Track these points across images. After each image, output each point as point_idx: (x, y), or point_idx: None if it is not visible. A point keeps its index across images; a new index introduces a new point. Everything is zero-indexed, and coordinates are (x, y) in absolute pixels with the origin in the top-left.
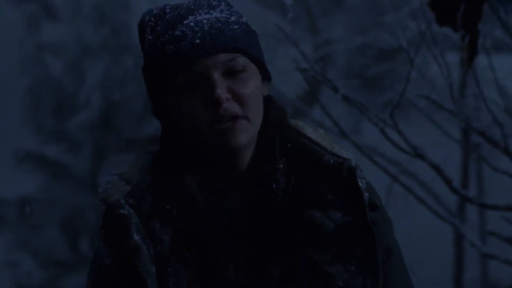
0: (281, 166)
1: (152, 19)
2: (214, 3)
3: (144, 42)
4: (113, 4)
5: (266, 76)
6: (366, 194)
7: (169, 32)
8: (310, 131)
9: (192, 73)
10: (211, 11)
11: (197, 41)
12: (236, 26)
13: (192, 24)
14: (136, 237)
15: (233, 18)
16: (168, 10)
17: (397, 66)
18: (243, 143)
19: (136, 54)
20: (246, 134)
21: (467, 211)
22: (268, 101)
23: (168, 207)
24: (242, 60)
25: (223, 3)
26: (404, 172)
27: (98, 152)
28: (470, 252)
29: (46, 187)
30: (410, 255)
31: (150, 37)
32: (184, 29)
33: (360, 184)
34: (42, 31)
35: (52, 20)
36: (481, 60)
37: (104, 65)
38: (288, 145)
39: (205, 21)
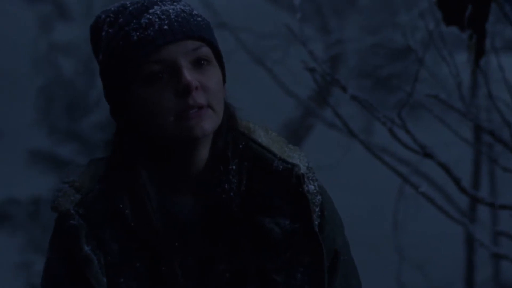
0: (233, 167)
1: (111, 15)
2: None
3: (99, 41)
4: None
5: (223, 77)
6: (318, 197)
7: (134, 21)
8: (261, 134)
9: (159, 61)
10: (175, 3)
11: (165, 27)
12: (199, 19)
13: (158, 12)
14: (86, 248)
15: (195, 12)
16: (129, 5)
17: (409, 66)
18: (208, 131)
19: None
20: (211, 123)
21: (480, 212)
22: None
23: (121, 206)
24: (207, 51)
25: (183, 0)
26: (415, 172)
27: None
28: (481, 252)
29: None
30: (421, 255)
31: (110, 30)
32: (150, 17)
33: (310, 189)
34: (55, 32)
35: (64, 21)
36: (492, 60)
37: None
38: (240, 146)
39: (171, 10)
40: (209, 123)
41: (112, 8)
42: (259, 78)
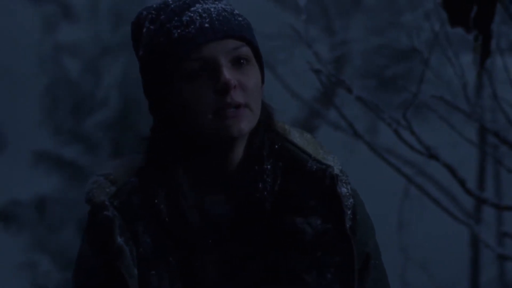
0: (268, 167)
1: (153, 11)
2: None
3: (140, 38)
4: (130, 4)
5: (262, 77)
6: (350, 200)
7: (176, 18)
8: (296, 135)
9: (199, 59)
10: (216, 2)
11: (206, 25)
12: (240, 18)
13: (199, 10)
14: (119, 239)
15: (236, 12)
16: (170, 2)
17: (414, 67)
18: (245, 131)
19: None
20: (248, 122)
21: (485, 213)
22: None
23: (156, 200)
24: (247, 50)
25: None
26: (420, 173)
27: (115, 153)
28: (486, 253)
29: (63, 188)
30: (426, 256)
31: (151, 26)
32: (191, 14)
33: (342, 191)
34: (60, 32)
35: (70, 21)
36: (498, 61)
37: (121, 65)
38: (276, 147)
39: (212, 9)
40: (246, 122)
41: (154, 5)
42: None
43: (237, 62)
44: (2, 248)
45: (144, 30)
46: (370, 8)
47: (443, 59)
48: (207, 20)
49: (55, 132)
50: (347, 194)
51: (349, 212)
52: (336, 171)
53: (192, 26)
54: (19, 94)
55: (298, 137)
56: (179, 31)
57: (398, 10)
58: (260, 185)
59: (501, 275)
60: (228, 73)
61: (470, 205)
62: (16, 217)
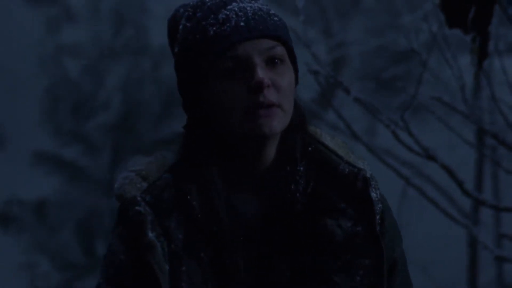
0: (301, 168)
1: (189, 9)
2: None
3: (176, 34)
4: (131, 6)
5: (296, 77)
6: (379, 205)
7: (212, 16)
8: (328, 138)
9: (234, 57)
10: (253, 1)
11: (242, 23)
12: (276, 18)
13: (236, 9)
14: (150, 234)
15: (272, 11)
16: (207, 0)
17: (412, 68)
18: (276, 130)
19: (154, 56)
20: (280, 122)
21: (483, 214)
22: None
23: (188, 197)
24: (282, 50)
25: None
26: (419, 174)
27: (115, 155)
28: (485, 254)
29: (63, 189)
30: (424, 257)
31: (188, 24)
32: (228, 13)
33: (373, 195)
34: (61, 33)
35: (71, 23)
36: (496, 62)
37: (122, 67)
38: (309, 149)
39: (248, 8)
40: (278, 122)
41: (191, 3)
42: None
43: (271, 62)
44: (1, 249)
45: (181, 27)
46: (369, 10)
47: (441, 61)
48: (243, 18)
49: (55, 133)
50: (377, 199)
51: (377, 217)
52: (368, 175)
53: (228, 25)
54: (19, 94)
55: (329, 140)
56: (214, 28)
57: (396, 12)
58: (292, 186)
59: (499, 276)
60: (261, 72)
61: (468, 206)
62: (16, 217)
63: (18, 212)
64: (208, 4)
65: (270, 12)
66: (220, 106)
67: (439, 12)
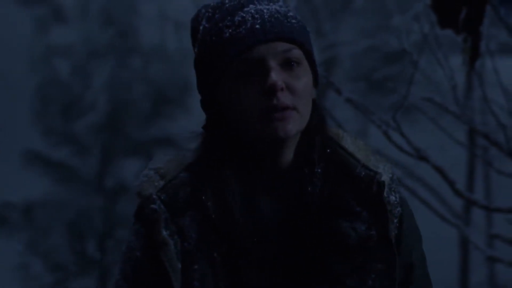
0: (319, 170)
1: (210, 10)
2: None
3: (196, 34)
4: (121, 7)
5: (315, 80)
6: (398, 209)
7: (228, 18)
8: (348, 141)
9: (249, 60)
10: (271, 4)
11: (257, 26)
12: (294, 21)
13: (252, 11)
14: (164, 232)
15: (291, 13)
16: (226, 1)
17: (404, 69)
18: (291, 133)
19: (143, 56)
20: (295, 125)
21: (475, 214)
22: (313, 105)
23: (203, 197)
24: (298, 53)
25: (281, 0)
26: (410, 174)
27: (105, 155)
28: (476, 254)
29: (53, 190)
30: None
31: (207, 25)
32: (244, 15)
33: (390, 199)
34: (50, 34)
35: (60, 23)
36: (487, 63)
37: (111, 67)
38: (328, 151)
39: (265, 10)
40: (293, 125)
41: (212, 3)
42: None
43: (287, 65)
44: None
45: (201, 27)
46: (360, 11)
47: (432, 61)
48: (259, 21)
49: (44, 134)
50: (395, 202)
51: (395, 220)
52: (385, 178)
53: (243, 27)
54: (9, 95)
55: (350, 143)
56: (230, 30)
57: (388, 13)
58: (309, 189)
59: (490, 277)
60: (275, 75)
61: (460, 207)
62: (6, 219)
63: (8, 214)
64: (227, 5)
65: (288, 14)
66: (235, 109)
67: (430, 13)
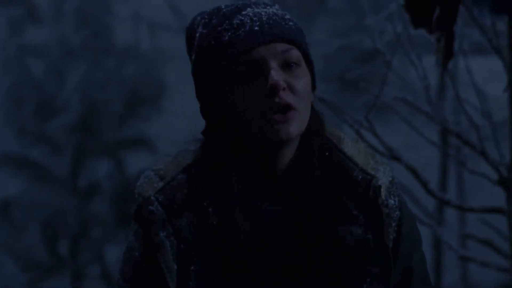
0: (318, 173)
1: (206, 16)
2: (269, 2)
3: (193, 41)
4: (95, 7)
5: (313, 82)
6: (396, 213)
7: (227, 21)
8: (349, 144)
9: (249, 61)
10: (268, 7)
11: (256, 28)
12: (291, 23)
13: (250, 14)
14: (161, 233)
15: (288, 16)
16: (223, 7)
17: (377, 69)
18: (293, 134)
19: (117, 56)
20: (297, 127)
21: (448, 214)
22: (311, 108)
23: (202, 199)
24: (297, 54)
25: (277, 5)
26: None
27: (78, 155)
28: (449, 254)
29: (27, 190)
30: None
31: (203, 31)
32: (242, 18)
33: (389, 203)
34: (25, 34)
35: (34, 23)
36: (460, 62)
37: (85, 67)
38: (327, 153)
39: (263, 13)
40: (295, 127)
41: (208, 10)
42: None
43: (287, 65)
44: None
45: (197, 34)
46: (333, 11)
47: (405, 61)
48: (257, 23)
49: (18, 134)
50: (394, 206)
51: (393, 224)
52: (384, 182)
53: (242, 29)
54: None
55: (350, 146)
56: (229, 34)
57: (361, 13)
58: (310, 192)
59: (463, 277)
60: (276, 75)
61: (432, 206)
62: None
63: None
64: (224, 10)
65: (285, 16)
66: (236, 111)
67: (403, 13)
